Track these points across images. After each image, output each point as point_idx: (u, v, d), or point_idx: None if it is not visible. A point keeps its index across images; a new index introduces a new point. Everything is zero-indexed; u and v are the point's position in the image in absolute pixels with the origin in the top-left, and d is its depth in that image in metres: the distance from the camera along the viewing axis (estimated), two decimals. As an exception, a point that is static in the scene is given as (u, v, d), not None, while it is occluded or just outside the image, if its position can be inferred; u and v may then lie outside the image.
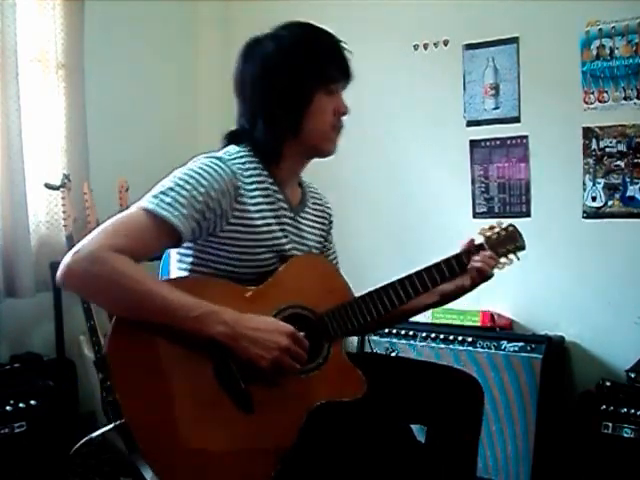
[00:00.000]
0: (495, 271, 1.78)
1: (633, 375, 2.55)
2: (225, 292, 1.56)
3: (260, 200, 1.61)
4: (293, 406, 1.53)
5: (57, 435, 2.62)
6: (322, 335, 1.61)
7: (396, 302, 1.69)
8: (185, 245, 1.60)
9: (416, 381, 1.73)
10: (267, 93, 1.63)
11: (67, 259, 1.45)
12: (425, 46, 3.22)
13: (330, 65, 1.64)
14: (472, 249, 1.78)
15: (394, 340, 3.04)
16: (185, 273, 1.63)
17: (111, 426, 1.58)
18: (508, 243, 1.82)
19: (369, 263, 3.19)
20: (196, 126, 3.69)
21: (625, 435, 2.48)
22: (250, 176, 1.61)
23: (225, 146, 1.69)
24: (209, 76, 3.79)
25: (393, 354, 2.98)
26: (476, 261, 1.75)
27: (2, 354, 2.94)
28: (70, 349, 3.04)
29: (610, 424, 2.50)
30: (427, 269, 1.73)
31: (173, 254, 1.67)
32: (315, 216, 1.81)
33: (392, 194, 3.34)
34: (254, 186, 1.61)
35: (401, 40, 3.25)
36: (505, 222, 1.86)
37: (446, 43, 3.17)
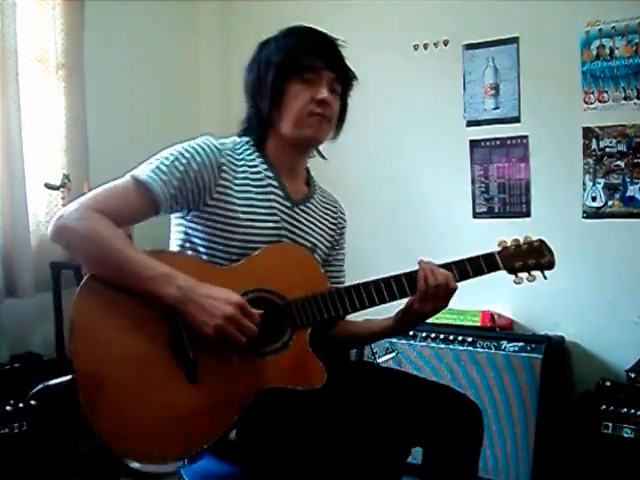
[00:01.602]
0: (514, 285, 1.71)
1: (633, 375, 2.56)
2: (194, 267, 1.58)
3: (248, 182, 1.66)
4: (242, 384, 1.53)
5: (57, 435, 2.62)
6: (287, 321, 1.60)
7: (367, 302, 1.64)
8: (177, 221, 1.67)
9: (414, 401, 1.66)
10: (248, 85, 1.73)
11: (58, 213, 1.56)
12: (425, 46, 3.22)
13: (305, 55, 1.66)
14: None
15: (394, 340, 3.03)
16: (177, 248, 1.68)
17: (70, 377, 1.59)
18: (531, 257, 1.71)
19: (369, 263, 3.16)
20: (196, 126, 3.69)
21: (625, 435, 2.48)
22: (242, 159, 1.68)
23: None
24: (209, 76, 3.79)
25: (393, 354, 2.97)
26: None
27: (2, 354, 2.93)
28: (70, 349, 3.04)
29: (610, 424, 2.51)
30: (407, 274, 1.65)
31: (172, 227, 1.72)
32: (322, 217, 1.81)
33: (392, 194, 3.34)
34: (243, 168, 1.66)
35: (401, 40, 3.25)
36: (535, 237, 1.73)
37: (446, 43, 3.17)
